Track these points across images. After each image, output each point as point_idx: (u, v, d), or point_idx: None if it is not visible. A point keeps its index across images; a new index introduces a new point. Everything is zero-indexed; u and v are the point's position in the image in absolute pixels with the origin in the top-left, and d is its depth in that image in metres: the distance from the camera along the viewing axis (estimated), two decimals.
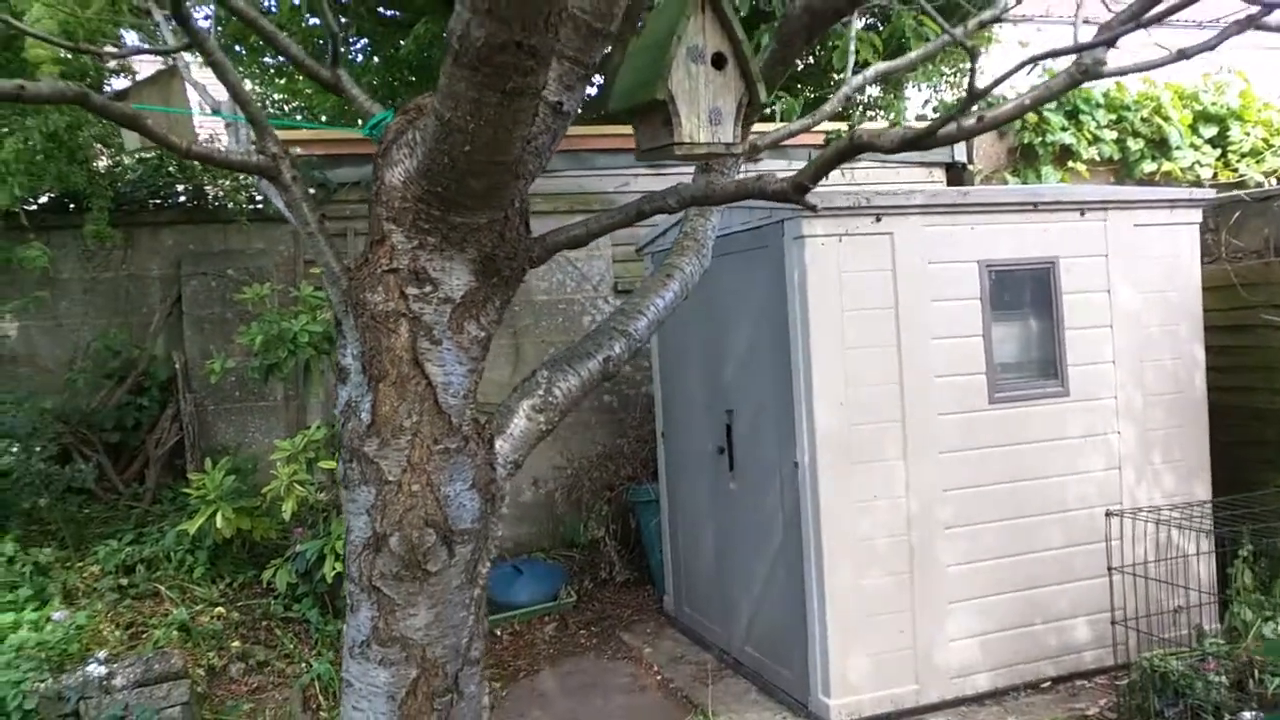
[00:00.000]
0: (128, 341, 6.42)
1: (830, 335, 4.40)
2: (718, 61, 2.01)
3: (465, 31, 1.62)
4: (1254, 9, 1.80)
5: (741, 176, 2.58)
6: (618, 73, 2.25)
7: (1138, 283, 4.93)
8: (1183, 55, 1.87)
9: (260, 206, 6.47)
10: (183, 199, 6.64)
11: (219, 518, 4.98)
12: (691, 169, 3.41)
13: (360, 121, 2.38)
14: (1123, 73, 1.92)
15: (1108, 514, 4.79)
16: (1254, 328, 5.46)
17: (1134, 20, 1.83)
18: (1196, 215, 5.10)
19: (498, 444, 2.22)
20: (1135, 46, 2.09)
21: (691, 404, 5.64)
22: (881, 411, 4.49)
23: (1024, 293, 4.82)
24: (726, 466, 5.18)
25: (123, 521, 5.85)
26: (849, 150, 1.96)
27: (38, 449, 5.47)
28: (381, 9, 9.69)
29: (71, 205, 6.33)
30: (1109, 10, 2.45)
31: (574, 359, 2.41)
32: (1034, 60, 1.76)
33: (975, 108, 1.91)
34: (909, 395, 4.52)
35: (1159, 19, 1.74)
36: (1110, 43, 1.77)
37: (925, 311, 4.55)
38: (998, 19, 3.14)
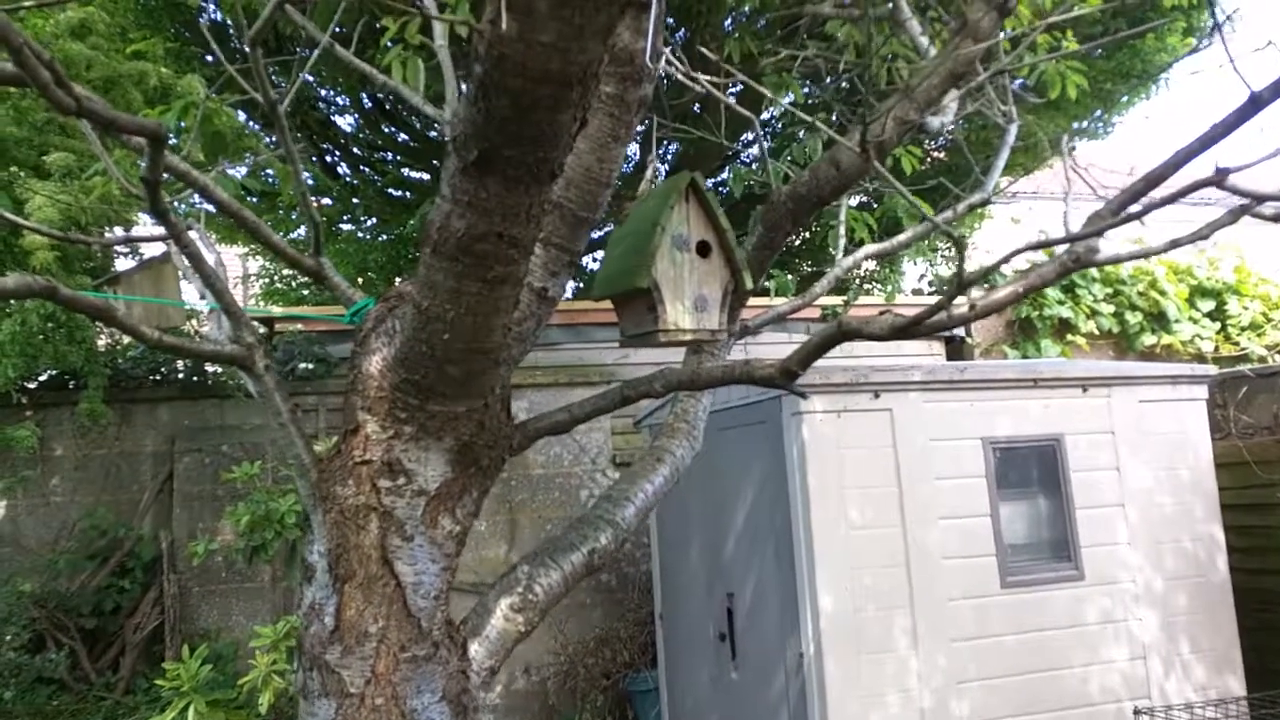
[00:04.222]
0: (115, 520, 6.28)
1: (832, 515, 4.26)
2: (702, 250, 1.98)
3: (445, 222, 1.59)
4: (1244, 200, 1.78)
5: (731, 359, 2.53)
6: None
7: (1148, 460, 4.81)
8: (1174, 244, 1.84)
9: None
10: (181, 374, 6.65)
11: (191, 712, 4.69)
12: (654, 347, 3.39)
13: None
14: (1115, 260, 1.89)
15: (1136, 711, 4.49)
16: (1273, 507, 5.30)
17: (1120, 211, 1.81)
18: (1202, 391, 5.03)
19: (472, 648, 2.06)
20: (1128, 227, 2.07)
21: (692, 584, 5.43)
22: (889, 597, 4.29)
23: (1030, 470, 4.70)
24: (729, 654, 4.92)
25: (92, 714, 5.55)
26: (836, 338, 1.90)
27: (9, 637, 5.24)
28: (390, 190, 10.04)
29: (70, 383, 6.33)
30: (1095, 192, 2.45)
31: (556, 551, 2.29)
32: (1020, 251, 1.72)
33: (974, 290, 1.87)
34: (917, 579, 4.32)
35: (1140, 215, 1.71)
36: (1099, 233, 1.74)
37: (930, 490, 4.42)
38: (986, 202, 3.17)
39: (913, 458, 4.42)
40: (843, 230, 3.35)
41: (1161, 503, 4.80)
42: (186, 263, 2.81)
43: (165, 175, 1.81)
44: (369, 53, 3.66)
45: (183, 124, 3.98)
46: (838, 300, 7.49)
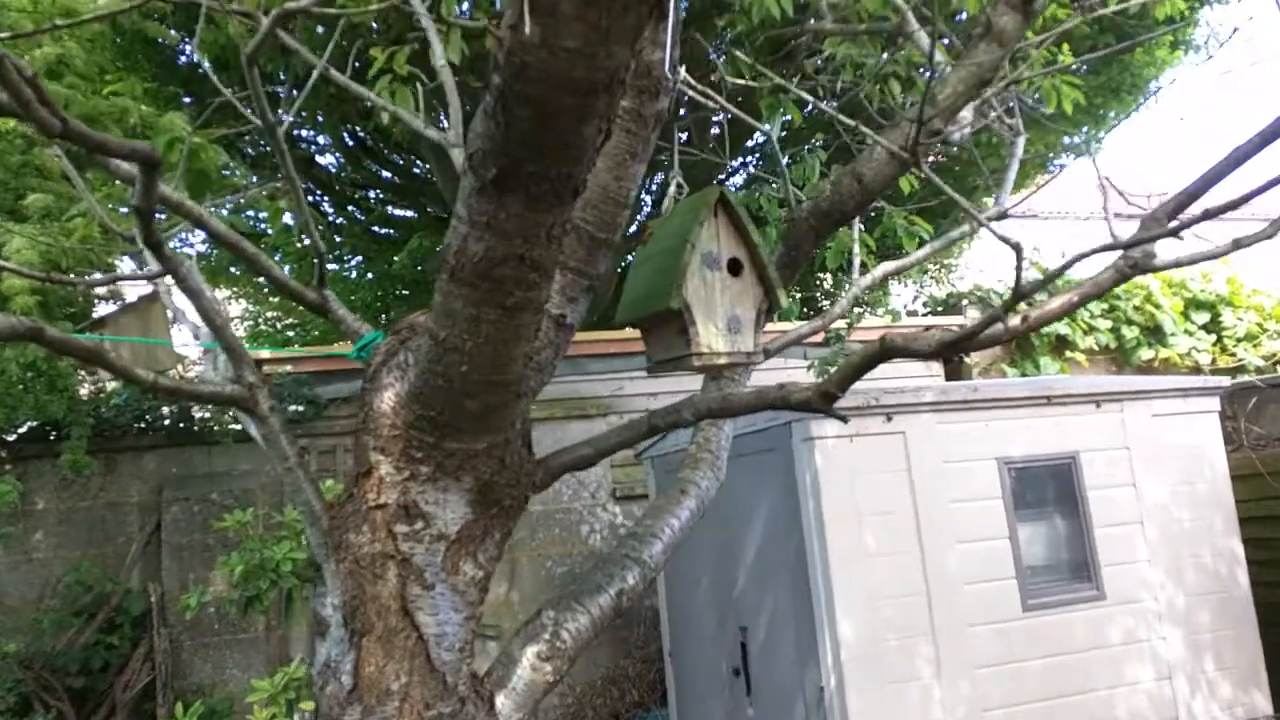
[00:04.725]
0: (101, 575, 6.06)
1: (849, 543, 4.13)
2: (733, 268, 1.87)
3: (462, 245, 1.48)
4: None
5: (759, 385, 2.41)
6: (623, 282, 2.11)
7: (1164, 475, 4.71)
8: (1238, 245, 1.74)
9: None
10: (167, 421, 6.46)
11: None
12: (684, 373, 3.27)
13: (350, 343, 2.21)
14: (1173, 266, 1.79)
15: None
16: None
17: (1175, 216, 1.71)
18: (1214, 403, 4.95)
19: (499, 701, 1.92)
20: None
21: (702, 619, 5.27)
22: (909, 623, 4.15)
23: (1046, 490, 4.59)
24: (744, 690, 4.76)
25: None
26: (878, 357, 1.79)
27: None
28: (375, 228, 9.92)
29: (52, 433, 6.13)
30: (1128, 201, 2.36)
31: (583, 594, 2.15)
32: (1086, 255, 1.61)
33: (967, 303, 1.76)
34: (937, 604, 4.19)
35: (1188, 225, 1.61)
36: (1156, 239, 1.64)
37: (946, 513, 4.30)
38: (1003, 215, 3.08)
39: (928, 481, 4.31)
40: (857, 249, 3.25)
41: (1180, 518, 4.70)
42: (178, 301, 2.68)
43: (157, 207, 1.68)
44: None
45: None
46: (841, 323, 7.39)
